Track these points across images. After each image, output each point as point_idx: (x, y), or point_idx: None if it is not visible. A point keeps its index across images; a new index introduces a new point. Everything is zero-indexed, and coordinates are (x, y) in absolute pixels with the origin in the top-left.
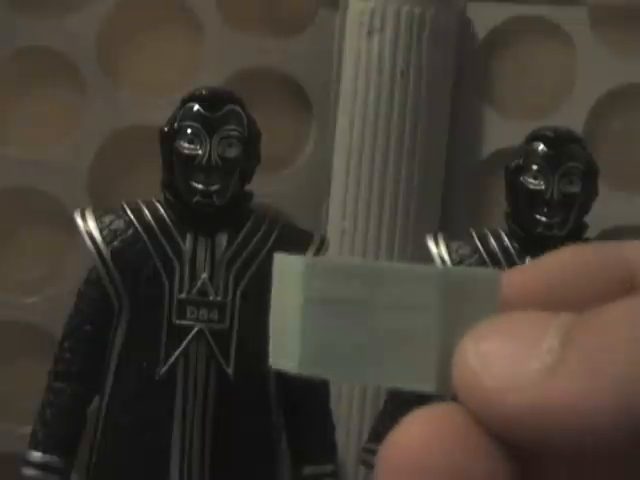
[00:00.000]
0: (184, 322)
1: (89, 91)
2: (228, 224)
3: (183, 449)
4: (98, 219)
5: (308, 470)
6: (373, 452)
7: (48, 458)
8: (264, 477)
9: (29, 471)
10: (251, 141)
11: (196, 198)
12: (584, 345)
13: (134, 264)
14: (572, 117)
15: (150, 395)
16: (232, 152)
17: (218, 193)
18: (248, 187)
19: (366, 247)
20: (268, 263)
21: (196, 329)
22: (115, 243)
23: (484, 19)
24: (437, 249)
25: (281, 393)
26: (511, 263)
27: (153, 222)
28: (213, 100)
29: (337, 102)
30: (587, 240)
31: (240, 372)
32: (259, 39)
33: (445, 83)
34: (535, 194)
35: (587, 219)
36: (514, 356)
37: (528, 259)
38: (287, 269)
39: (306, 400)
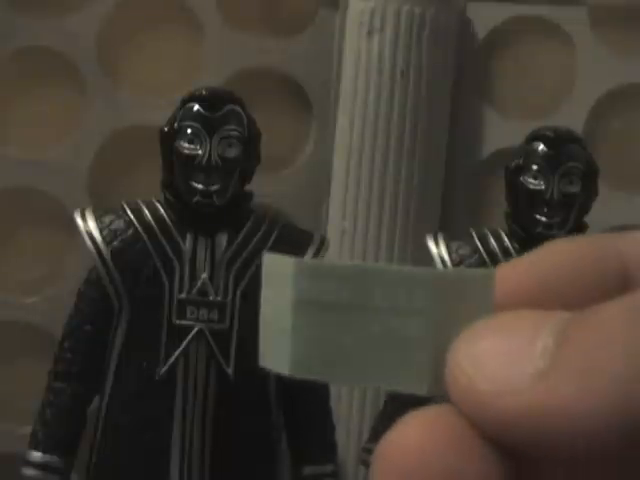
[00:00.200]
0: (184, 322)
1: (89, 91)
2: (228, 224)
3: (183, 449)
4: (98, 219)
5: (308, 470)
6: (373, 452)
7: (48, 458)
8: (264, 477)
9: (29, 471)
10: (251, 141)
11: (196, 198)
12: (581, 344)
13: (134, 264)
14: (572, 117)
15: (150, 395)
16: (232, 152)
17: (218, 193)
18: (248, 187)
19: (366, 247)
20: None
21: (196, 329)
22: (115, 243)
23: (484, 19)
24: (437, 249)
25: (281, 393)
26: None
27: (153, 222)
28: (213, 100)
29: (337, 102)
30: None
31: (240, 372)
32: (259, 39)
33: (445, 83)
34: (535, 194)
35: (587, 219)
36: (507, 358)
37: None
38: (277, 270)
39: (306, 400)
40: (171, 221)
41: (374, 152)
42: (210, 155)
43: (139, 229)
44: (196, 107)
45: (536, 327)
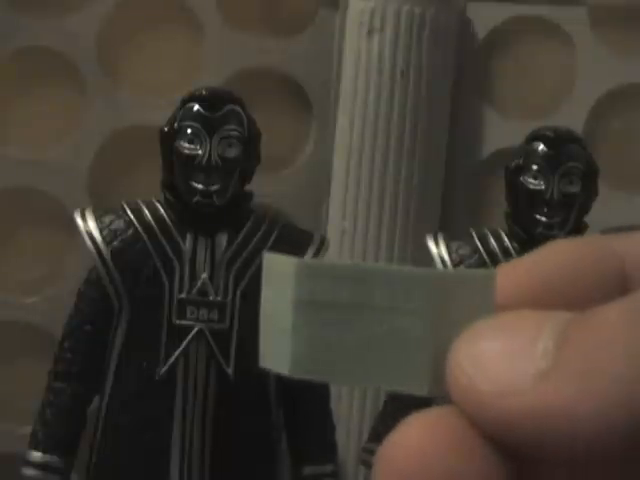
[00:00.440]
0: (184, 322)
1: (89, 91)
2: (228, 224)
3: (183, 449)
4: (98, 219)
5: (308, 470)
6: (373, 452)
7: (48, 458)
8: (264, 477)
9: (29, 471)
10: (251, 141)
11: (196, 198)
12: (581, 344)
13: (134, 264)
14: (572, 117)
15: (150, 395)
16: (232, 152)
17: (218, 193)
18: (248, 187)
19: (366, 247)
20: None
21: (196, 329)
22: (115, 243)
23: (484, 19)
24: (437, 249)
25: (281, 393)
26: None
27: (153, 222)
28: (213, 100)
29: (337, 102)
30: None
31: (240, 372)
32: (259, 39)
33: (445, 83)
34: (535, 194)
35: (587, 219)
36: (509, 358)
37: None
38: (277, 270)
39: (306, 400)
40: (171, 221)
41: (374, 152)
42: (210, 155)
43: (139, 229)
44: (196, 107)
45: (537, 327)
